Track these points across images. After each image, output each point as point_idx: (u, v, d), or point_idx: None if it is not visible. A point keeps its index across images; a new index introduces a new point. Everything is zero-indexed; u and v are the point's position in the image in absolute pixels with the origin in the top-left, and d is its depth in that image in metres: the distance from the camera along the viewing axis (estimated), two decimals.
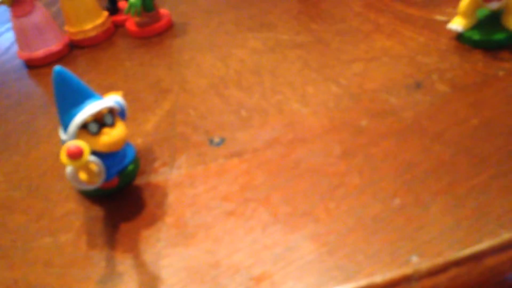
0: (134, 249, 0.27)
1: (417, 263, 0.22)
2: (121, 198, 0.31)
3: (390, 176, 0.27)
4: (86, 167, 0.27)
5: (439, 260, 0.22)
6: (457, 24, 0.35)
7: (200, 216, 0.28)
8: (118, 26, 0.55)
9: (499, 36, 0.34)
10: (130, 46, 0.50)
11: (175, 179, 0.31)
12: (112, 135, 0.28)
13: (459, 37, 0.36)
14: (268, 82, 0.39)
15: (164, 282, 0.25)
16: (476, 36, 0.34)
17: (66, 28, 0.52)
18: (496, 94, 0.30)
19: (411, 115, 0.31)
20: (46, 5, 0.60)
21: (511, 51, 0.33)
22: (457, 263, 0.22)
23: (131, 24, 0.52)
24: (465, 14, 0.35)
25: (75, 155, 0.25)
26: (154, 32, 0.51)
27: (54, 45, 0.50)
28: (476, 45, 0.34)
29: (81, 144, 0.25)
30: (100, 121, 0.28)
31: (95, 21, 0.52)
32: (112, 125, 0.28)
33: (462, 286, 0.21)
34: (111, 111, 0.29)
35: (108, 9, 0.55)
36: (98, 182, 0.28)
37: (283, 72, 0.39)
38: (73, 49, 0.52)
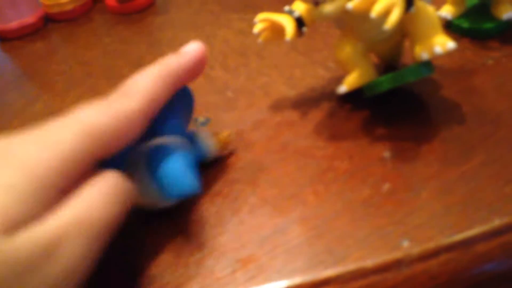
0: (116, 235, 0.26)
1: (408, 247, 0.22)
2: None
3: (379, 161, 0.27)
4: None
5: (430, 245, 0.22)
6: (446, 11, 0.35)
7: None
8: (96, 1, 0.52)
9: (488, 25, 0.33)
10: (109, 22, 0.48)
11: None
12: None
13: (448, 24, 0.35)
14: (254, 63, 0.38)
15: (147, 264, 0.24)
16: (465, 24, 0.34)
17: (42, 0, 0.50)
18: (485, 83, 0.30)
19: (399, 101, 0.30)
20: None
21: (499, 41, 0.33)
22: (448, 248, 0.22)
23: None
24: (454, 2, 0.35)
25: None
26: (135, 8, 0.49)
27: (28, 17, 0.47)
28: (464, 34, 0.34)
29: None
30: None
31: None
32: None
33: (453, 272, 0.21)
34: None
35: None
36: None
37: (270, 54, 0.38)
38: (49, 22, 0.50)
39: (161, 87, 0.24)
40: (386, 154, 0.27)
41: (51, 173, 0.19)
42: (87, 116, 0.21)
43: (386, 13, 0.24)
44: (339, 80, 0.29)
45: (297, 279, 0.22)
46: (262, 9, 0.45)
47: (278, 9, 0.30)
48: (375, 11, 0.23)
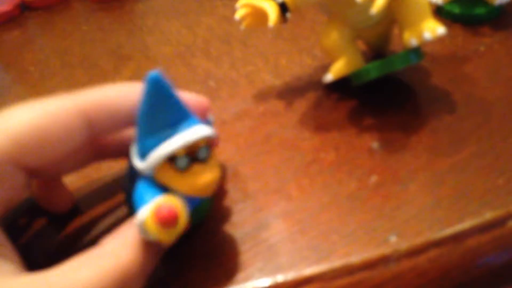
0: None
1: (395, 243, 0.21)
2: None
3: (367, 152, 0.26)
4: None
5: (419, 240, 0.21)
6: None
7: None
8: None
9: (480, 11, 0.32)
10: (88, 10, 0.46)
11: None
12: (206, 177, 0.19)
13: (439, 10, 0.34)
14: (238, 52, 0.36)
15: None
16: (456, 9, 0.33)
17: None
18: (476, 70, 0.29)
19: (387, 90, 0.29)
20: None
21: (492, 26, 0.32)
22: (438, 243, 0.21)
23: None
24: None
25: (170, 222, 0.17)
26: None
27: (3, 5, 0.45)
28: (456, 19, 0.33)
29: (176, 204, 0.18)
30: (192, 154, 0.20)
31: None
32: (204, 160, 0.20)
33: (443, 267, 0.20)
34: (207, 142, 0.20)
35: None
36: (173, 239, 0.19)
37: (255, 42, 0.37)
38: (25, 10, 0.48)
39: None
40: (374, 145, 0.26)
41: None
42: (9, 117, 0.19)
43: None
44: (325, 68, 0.28)
45: (280, 277, 0.21)
46: None
47: None
48: None
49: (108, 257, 0.18)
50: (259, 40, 0.37)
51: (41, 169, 0.20)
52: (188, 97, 0.22)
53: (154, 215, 0.18)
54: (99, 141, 0.23)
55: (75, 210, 0.25)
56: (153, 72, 0.19)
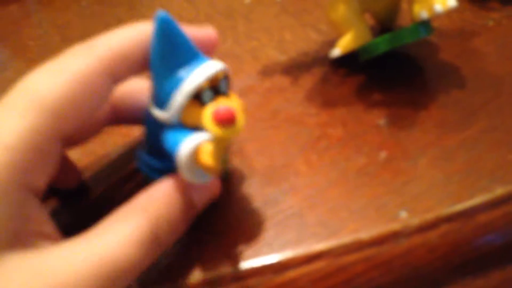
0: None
1: (405, 218, 0.21)
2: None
3: (375, 128, 0.25)
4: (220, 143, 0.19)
5: (429, 216, 0.21)
6: None
7: None
8: None
9: None
10: None
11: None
12: (234, 106, 0.18)
13: None
14: (242, 27, 0.35)
15: None
16: None
17: None
18: (485, 45, 0.29)
19: (395, 66, 0.29)
20: None
21: (500, 1, 0.31)
22: (448, 219, 0.20)
23: None
24: None
25: (230, 120, 0.17)
26: None
27: None
28: None
29: (230, 103, 0.18)
30: (215, 87, 0.19)
31: None
32: (226, 93, 0.20)
33: (453, 243, 0.20)
34: (225, 74, 0.20)
35: None
36: (220, 169, 0.19)
37: (258, 16, 0.36)
38: None
39: None
40: (382, 121, 0.26)
41: (5, 172, 0.16)
42: (36, 87, 0.18)
43: None
44: (332, 43, 0.28)
45: (289, 253, 0.21)
46: None
47: None
48: None
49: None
50: (262, 14, 0.36)
51: (74, 136, 0.20)
52: (194, 31, 0.21)
53: (213, 117, 0.17)
54: (118, 105, 0.23)
55: (82, 187, 0.25)
56: (161, 12, 0.19)
